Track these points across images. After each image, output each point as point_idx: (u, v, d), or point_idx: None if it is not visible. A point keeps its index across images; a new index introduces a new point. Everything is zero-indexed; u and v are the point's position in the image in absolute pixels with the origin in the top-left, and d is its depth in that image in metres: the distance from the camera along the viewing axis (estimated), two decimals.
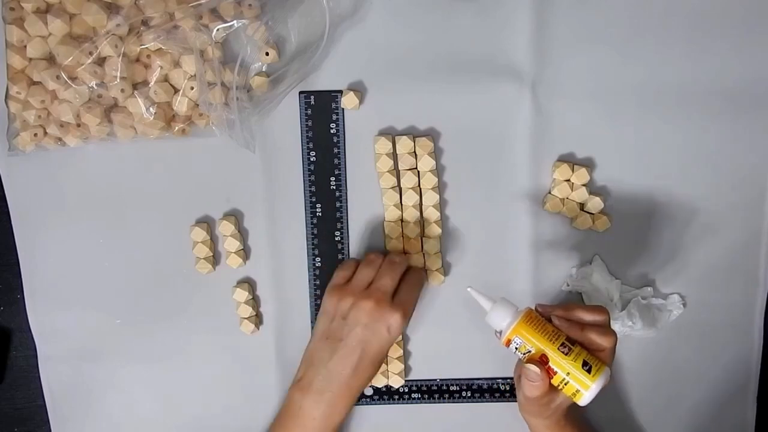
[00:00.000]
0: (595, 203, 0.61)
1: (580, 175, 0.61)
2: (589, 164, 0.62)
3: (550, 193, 0.62)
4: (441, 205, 0.62)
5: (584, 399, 0.50)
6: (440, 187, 0.62)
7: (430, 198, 0.61)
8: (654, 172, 0.62)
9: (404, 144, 0.60)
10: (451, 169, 0.62)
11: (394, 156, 0.61)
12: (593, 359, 0.50)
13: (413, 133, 0.61)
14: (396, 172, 0.61)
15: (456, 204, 0.62)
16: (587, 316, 0.52)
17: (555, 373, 0.50)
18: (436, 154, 0.61)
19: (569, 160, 0.61)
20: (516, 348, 0.51)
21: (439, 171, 0.62)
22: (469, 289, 0.54)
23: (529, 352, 0.51)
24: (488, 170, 0.62)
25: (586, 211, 0.62)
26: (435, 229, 0.62)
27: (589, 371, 0.50)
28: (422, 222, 0.62)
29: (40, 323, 0.63)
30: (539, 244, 0.62)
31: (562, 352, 0.50)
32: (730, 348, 0.64)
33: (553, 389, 0.52)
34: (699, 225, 0.62)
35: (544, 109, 0.61)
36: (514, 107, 0.61)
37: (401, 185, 0.61)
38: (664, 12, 0.60)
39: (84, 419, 0.65)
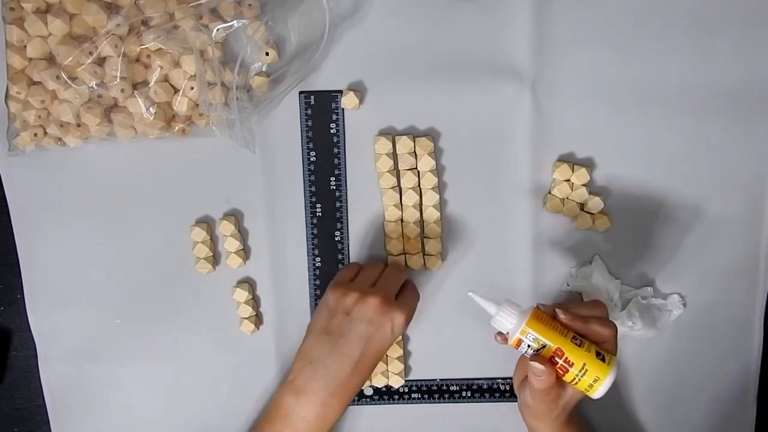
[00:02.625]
0: (595, 203, 0.61)
1: (580, 175, 0.61)
2: (589, 164, 0.62)
3: (550, 193, 0.62)
4: (441, 205, 0.62)
5: (600, 390, 0.50)
6: (440, 187, 0.62)
7: (430, 198, 0.61)
8: (654, 172, 0.62)
9: (404, 144, 0.60)
10: (451, 169, 0.62)
11: (394, 156, 0.61)
12: (603, 350, 0.52)
13: (413, 133, 0.61)
14: (396, 172, 0.61)
15: (456, 204, 0.62)
16: (586, 311, 0.53)
17: (570, 366, 0.50)
18: (436, 154, 0.61)
19: (569, 160, 0.61)
20: (528, 345, 0.51)
21: (439, 171, 0.62)
22: (470, 294, 0.54)
23: (542, 347, 0.51)
24: (488, 170, 0.62)
25: (586, 211, 0.62)
26: (435, 229, 0.62)
27: (603, 360, 0.51)
28: (422, 222, 0.62)
29: (40, 323, 0.63)
30: (539, 244, 0.62)
31: (576, 344, 0.51)
32: (730, 348, 0.64)
33: (560, 384, 0.52)
34: (699, 225, 0.62)
35: (544, 109, 0.61)
36: (514, 107, 0.61)
37: (401, 185, 0.61)
38: (664, 12, 0.60)
39: (84, 419, 0.65)
